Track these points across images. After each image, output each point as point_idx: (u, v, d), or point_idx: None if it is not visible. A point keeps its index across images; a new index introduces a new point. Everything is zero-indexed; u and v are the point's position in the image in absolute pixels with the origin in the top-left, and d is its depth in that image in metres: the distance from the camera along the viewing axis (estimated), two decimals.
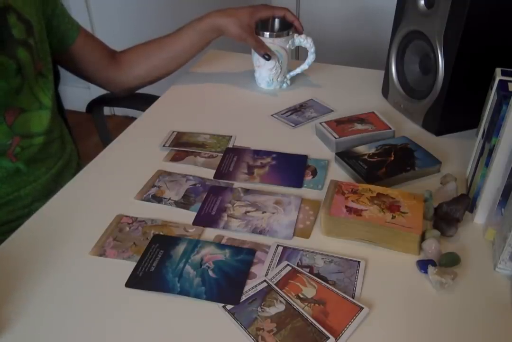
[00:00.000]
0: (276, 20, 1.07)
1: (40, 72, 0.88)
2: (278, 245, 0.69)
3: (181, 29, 1.06)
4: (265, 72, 1.07)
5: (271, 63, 1.04)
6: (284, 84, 1.10)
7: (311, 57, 1.07)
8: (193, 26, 1.04)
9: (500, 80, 0.70)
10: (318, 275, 0.65)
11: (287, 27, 1.04)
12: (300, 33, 1.05)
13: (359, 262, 0.67)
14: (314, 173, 0.84)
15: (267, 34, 1.02)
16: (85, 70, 1.05)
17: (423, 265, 0.65)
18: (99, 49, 1.06)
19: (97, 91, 1.19)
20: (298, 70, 1.09)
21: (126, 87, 1.10)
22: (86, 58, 1.03)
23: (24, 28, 0.84)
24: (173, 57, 1.07)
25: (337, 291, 0.62)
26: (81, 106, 1.26)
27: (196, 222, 0.74)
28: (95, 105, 1.22)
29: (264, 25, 1.06)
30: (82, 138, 1.30)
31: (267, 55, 1.02)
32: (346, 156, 0.84)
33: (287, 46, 1.04)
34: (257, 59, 1.05)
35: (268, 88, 1.09)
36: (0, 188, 0.85)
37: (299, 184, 0.81)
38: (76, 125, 1.26)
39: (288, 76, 1.09)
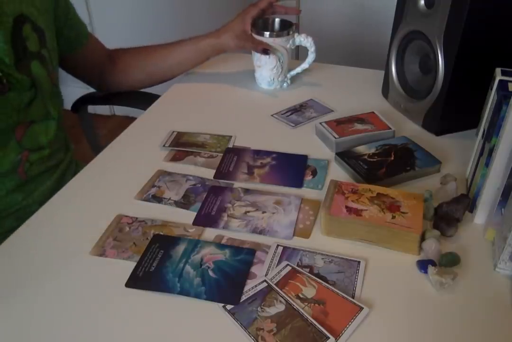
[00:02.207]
0: (276, 20, 1.08)
1: (54, 83, 0.88)
2: (278, 245, 0.69)
3: (180, 44, 1.06)
4: (266, 72, 1.07)
5: (272, 63, 1.04)
6: (285, 84, 1.10)
7: (311, 57, 1.07)
8: (193, 44, 1.05)
9: (500, 80, 0.70)
10: (318, 275, 0.65)
11: (287, 27, 1.04)
12: (297, 13, 1.05)
13: (359, 262, 0.67)
14: (314, 173, 0.84)
15: (267, 34, 1.02)
16: (88, 72, 1.05)
17: (423, 265, 0.65)
18: (101, 51, 1.06)
19: None
20: (298, 69, 1.09)
21: (118, 89, 1.11)
22: (90, 61, 1.03)
23: (37, 39, 0.82)
24: (169, 67, 1.08)
25: (337, 291, 0.62)
26: None
27: (196, 222, 0.74)
28: (80, 104, 1.21)
29: (264, 25, 1.07)
30: (81, 138, 1.30)
31: (266, 50, 1.02)
32: (346, 156, 0.84)
33: (288, 46, 1.04)
34: (257, 59, 1.06)
35: (269, 88, 1.09)
36: (11, 197, 0.85)
37: (299, 184, 0.81)
38: (76, 125, 1.26)
39: (288, 75, 1.09)
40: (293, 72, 1.09)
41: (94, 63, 1.04)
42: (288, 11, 1.06)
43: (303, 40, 1.05)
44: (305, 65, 1.08)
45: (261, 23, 1.06)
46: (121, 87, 1.10)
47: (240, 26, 1.04)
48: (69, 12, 0.94)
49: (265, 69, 1.06)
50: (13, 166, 0.83)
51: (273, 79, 1.08)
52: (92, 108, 2.60)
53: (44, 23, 0.85)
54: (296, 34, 1.04)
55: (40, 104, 0.85)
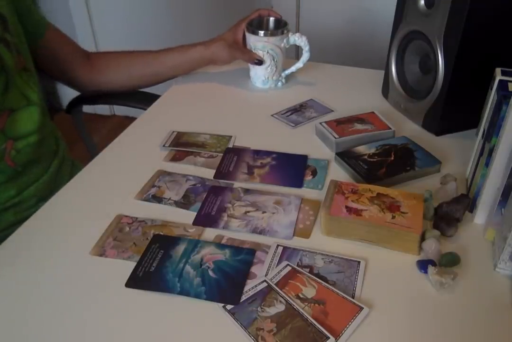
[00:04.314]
0: (271, 19, 1.08)
1: (24, 67, 0.87)
2: (278, 245, 0.69)
3: (167, 51, 1.07)
4: (260, 71, 1.07)
5: (266, 62, 1.05)
6: (279, 83, 1.10)
7: (305, 56, 1.07)
8: (181, 52, 1.06)
9: (500, 80, 0.70)
10: (318, 275, 0.65)
11: (282, 26, 1.05)
12: (278, 17, 1.08)
13: (359, 262, 0.67)
14: (314, 173, 0.84)
15: (261, 33, 1.02)
16: (53, 66, 1.03)
17: (423, 265, 0.65)
18: (69, 46, 1.05)
19: None
20: (293, 69, 1.09)
21: (97, 89, 1.10)
22: (54, 54, 1.01)
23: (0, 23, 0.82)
24: (152, 74, 1.08)
25: (337, 291, 0.62)
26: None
27: (196, 222, 0.74)
28: (74, 105, 1.20)
29: (259, 24, 1.07)
30: (81, 138, 1.30)
31: (258, 60, 1.04)
32: (346, 156, 0.84)
33: (282, 45, 1.04)
34: None
35: (263, 86, 1.10)
36: (3, 191, 0.85)
37: (299, 184, 0.81)
38: (76, 125, 1.26)
39: (283, 74, 1.09)
40: (288, 71, 1.09)
41: (61, 59, 1.03)
42: (271, 14, 1.08)
43: (298, 39, 1.05)
44: (299, 64, 1.08)
45: (256, 23, 1.07)
46: (99, 88, 1.10)
47: (231, 37, 1.06)
48: (25, 1, 0.92)
49: (260, 68, 1.07)
50: None
51: (268, 78, 1.08)
52: (92, 108, 2.62)
53: (5, 8, 0.84)
54: (290, 33, 1.05)
55: (16, 90, 0.85)
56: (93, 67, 1.07)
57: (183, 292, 0.63)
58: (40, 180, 0.91)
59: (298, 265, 0.66)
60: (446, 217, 0.71)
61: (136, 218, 0.74)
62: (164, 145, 0.90)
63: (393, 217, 0.68)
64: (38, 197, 0.89)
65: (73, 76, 1.06)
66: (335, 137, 0.88)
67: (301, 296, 0.62)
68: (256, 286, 0.63)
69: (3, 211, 0.86)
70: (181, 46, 1.07)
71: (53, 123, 1.00)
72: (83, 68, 1.06)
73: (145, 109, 1.04)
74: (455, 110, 0.90)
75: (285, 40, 1.04)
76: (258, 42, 1.03)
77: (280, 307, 0.60)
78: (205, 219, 0.74)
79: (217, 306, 0.61)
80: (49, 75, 1.05)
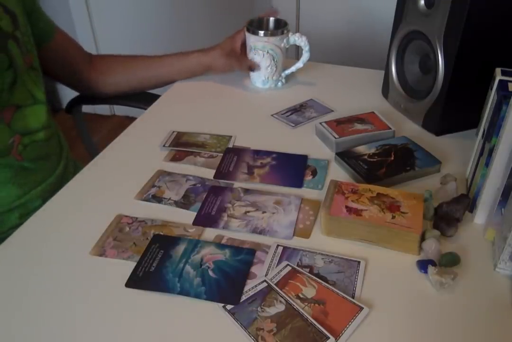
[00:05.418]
0: (271, 19, 1.08)
1: (31, 65, 0.88)
2: (278, 245, 0.69)
3: (166, 56, 1.08)
4: (260, 71, 1.07)
5: (266, 62, 1.05)
6: (279, 83, 1.10)
7: (305, 56, 1.07)
8: (180, 57, 1.08)
9: (500, 80, 0.70)
10: (318, 275, 0.65)
11: (282, 26, 1.05)
12: (276, 15, 1.09)
13: (359, 262, 0.67)
14: (314, 173, 0.84)
15: (261, 33, 1.03)
16: (58, 69, 1.04)
17: (423, 265, 0.65)
18: (75, 49, 1.06)
19: None
20: (293, 69, 1.09)
21: (98, 91, 1.10)
22: (62, 59, 1.02)
23: (10, 20, 0.83)
24: (158, 76, 1.09)
25: (337, 291, 0.62)
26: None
27: (196, 222, 0.74)
28: (74, 104, 1.20)
29: (259, 24, 1.07)
30: (80, 138, 1.30)
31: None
32: (346, 156, 0.84)
33: (282, 45, 1.05)
34: (252, 58, 1.06)
35: (263, 87, 1.10)
36: (10, 189, 0.85)
37: (299, 184, 0.81)
38: (76, 125, 1.27)
39: (283, 74, 1.09)
40: (288, 71, 1.09)
41: (67, 61, 1.04)
42: (269, 14, 1.09)
43: (298, 39, 1.05)
44: (299, 64, 1.08)
45: (256, 23, 1.07)
46: (99, 90, 1.10)
47: (229, 45, 1.06)
48: (34, 3, 0.93)
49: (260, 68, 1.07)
50: (6, 149, 0.83)
51: (268, 78, 1.08)
52: (92, 108, 2.62)
53: (16, 8, 0.85)
54: (290, 33, 1.05)
55: (23, 87, 0.86)
56: (95, 69, 1.07)
57: (183, 292, 0.63)
58: (47, 180, 0.91)
59: (298, 265, 0.66)
60: (446, 217, 0.71)
61: (136, 218, 0.74)
62: (164, 145, 0.90)
63: (393, 217, 0.68)
64: (44, 198, 0.89)
65: (76, 78, 1.07)
66: (335, 137, 0.88)
67: (301, 296, 0.62)
68: (256, 286, 0.63)
69: (8, 211, 0.86)
70: (181, 52, 1.08)
71: (56, 124, 1.01)
72: (86, 71, 1.07)
73: (145, 109, 1.04)
74: (455, 110, 0.90)
75: (285, 40, 1.04)
76: (258, 42, 1.03)
77: (280, 307, 0.60)
78: (205, 219, 0.74)
79: (217, 306, 0.61)
80: (51, 76, 1.05)
